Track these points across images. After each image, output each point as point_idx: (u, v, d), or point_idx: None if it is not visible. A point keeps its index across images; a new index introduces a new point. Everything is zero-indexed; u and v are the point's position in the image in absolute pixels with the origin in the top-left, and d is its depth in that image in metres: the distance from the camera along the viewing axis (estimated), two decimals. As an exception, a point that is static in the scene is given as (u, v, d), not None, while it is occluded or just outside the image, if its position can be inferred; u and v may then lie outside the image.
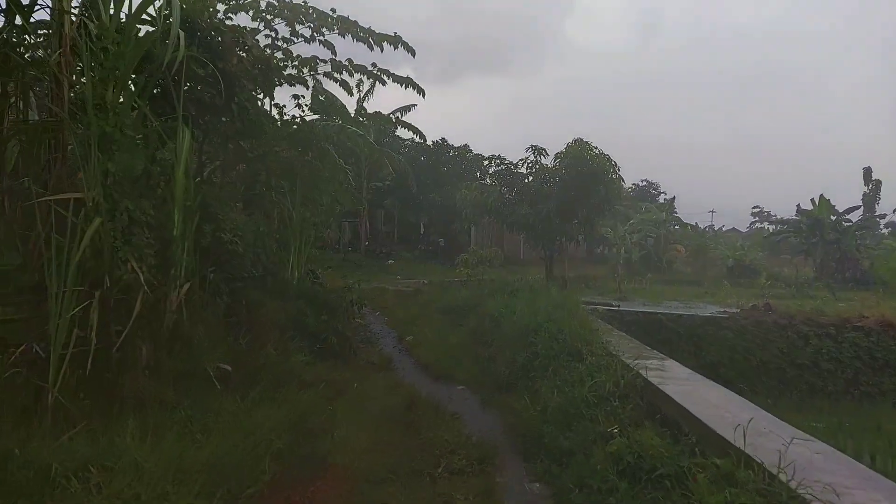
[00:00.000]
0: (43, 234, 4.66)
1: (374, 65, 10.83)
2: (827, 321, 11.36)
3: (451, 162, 32.33)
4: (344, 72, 10.65)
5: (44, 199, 4.62)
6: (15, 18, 5.41)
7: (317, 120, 10.32)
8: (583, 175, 14.43)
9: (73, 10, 5.18)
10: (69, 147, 5.08)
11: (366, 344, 10.38)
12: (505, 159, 16.49)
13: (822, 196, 27.69)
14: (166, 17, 5.64)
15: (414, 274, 22.89)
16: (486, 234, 29.06)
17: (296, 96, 10.21)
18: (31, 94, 5.82)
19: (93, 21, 5.11)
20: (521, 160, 15.84)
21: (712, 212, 52.06)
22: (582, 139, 14.90)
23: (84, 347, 4.60)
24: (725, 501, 3.09)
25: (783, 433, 3.82)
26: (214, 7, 7.59)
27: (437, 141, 32.02)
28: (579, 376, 6.07)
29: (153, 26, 5.89)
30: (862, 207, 31.29)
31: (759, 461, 3.22)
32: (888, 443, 7.29)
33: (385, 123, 24.70)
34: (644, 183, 44.80)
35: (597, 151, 14.61)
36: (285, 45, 9.43)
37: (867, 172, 33.66)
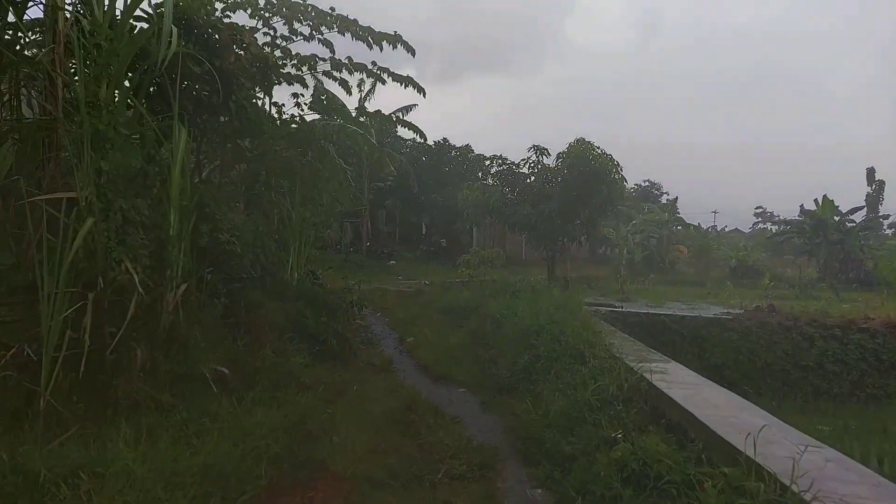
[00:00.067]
0: (35, 235, 4.57)
1: (373, 63, 10.76)
2: (832, 322, 11.26)
3: (453, 162, 32.25)
4: (343, 70, 10.57)
5: (34, 198, 4.53)
6: (8, 15, 5.33)
7: (317, 119, 10.23)
8: (585, 175, 14.35)
9: (66, 7, 5.09)
10: (63, 146, 5.00)
11: (366, 345, 10.29)
12: (507, 159, 16.37)
13: (825, 196, 27.60)
14: (161, 14, 5.55)
15: (415, 274, 22.80)
16: (488, 234, 28.99)
17: (295, 95, 10.13)
18: (26, 92, 5.73)
19: (86, 17, 5.03)
20: (522, 160, 15.78)
21: (715, 212, 52.21)
22: (584, 139, 14.83)
23: (77, 350, 4.51)
24: (735, 513, 2.98)
25: (793, 440, 3.71)
26: (212, 5, 7.50)
27: (439, 141, 31.97)
28: (582, 379, 5.97)
29: (148, 23, 5.80)
30: (865, 208, 31.20)
31: (771, 471, 3.10)
32: (895, 445, 7.19)
33: (386, 123, 24.62)
34: (646, 183, 44.75)
35: (599, 151, 14.53)
36: (284, 44, 9.35)
37: (870, 173, 33.56)
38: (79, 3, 5.22)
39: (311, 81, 10.85)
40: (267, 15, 9.00)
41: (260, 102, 8.79)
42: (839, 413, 9.45)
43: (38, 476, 3.54)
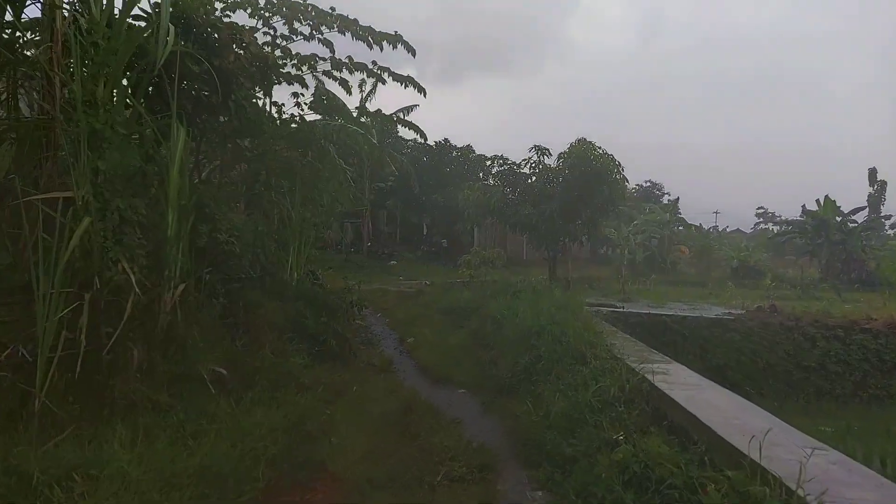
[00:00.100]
0: (31, 235, 4.53)
1: (374, 63, 10.73)
2: (834, 323, 11.21)
3: (454, 162, 32.23)
4: (344, 70, 10.54)
5: (29, 198, 4.49)
6: (5, 14, 5.30)
7: (318, 119, 10.20)
8: (586, 175, 14.31)
9: (64, 6, 5.06)
10: (61, 145, 4.97)
11: (366, 346, 10.24)
12: (508, 159, 16.32)
13: (826, 197, 27.54)
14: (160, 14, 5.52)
15: (416, 275, 22.76)
16: (489, 234, 28.94)
17: (295, 95, 10.10)
18: (24, 91, 5.70)
19: (84, 16, 4.99)
20: (524, 160, 15.73)
21: (716, 213, 52.16)
22: (585, 139, 14.80)
23: (73, 350, 4.47)
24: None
25: (797, 442, 3.66)
26: (211, 4, 7.46)
27: (440, 141, 31.96)
28: (583, 380, 5.91)
29: (147, 22, 5.77)
30: (867, 208, 31.09)
31: (776, 475, 3.03)
32: (899, 446, 7.14)
33: (387, 123, 24.62)
34: (648, 184, 44.75)
35: (600, 151, 14.49)
36: (284, 43, 9.32)
37: (872, 173, 33.41)
38: (76, 2, 5.18)
39: (311, 81, 10.82)
40: (267, 14, 8.98)
41: (260, 102, 8.76)
42: (842, 414, 9.39)
43: (31, 478, 3.49)
